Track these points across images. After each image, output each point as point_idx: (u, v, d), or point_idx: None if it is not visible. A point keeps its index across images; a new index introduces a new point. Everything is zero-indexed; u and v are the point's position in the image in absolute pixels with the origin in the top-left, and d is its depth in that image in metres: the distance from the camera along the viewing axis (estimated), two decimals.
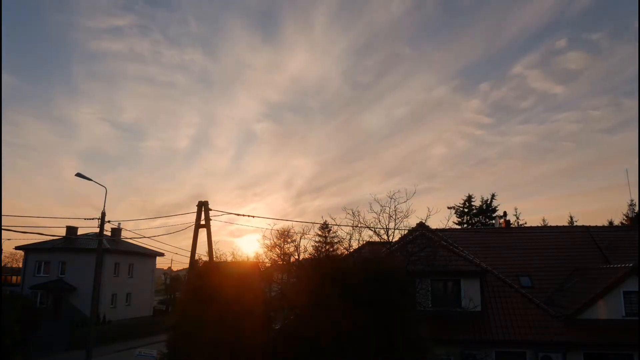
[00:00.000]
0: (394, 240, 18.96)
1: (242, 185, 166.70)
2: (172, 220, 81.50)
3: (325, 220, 19.78)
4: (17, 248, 46.94)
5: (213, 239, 19.55)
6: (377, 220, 18.71)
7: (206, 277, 12.46)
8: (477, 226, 46.28)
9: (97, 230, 24.20)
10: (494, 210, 47.53)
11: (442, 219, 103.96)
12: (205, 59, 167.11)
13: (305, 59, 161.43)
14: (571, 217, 48.50)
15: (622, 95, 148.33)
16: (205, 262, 18.49)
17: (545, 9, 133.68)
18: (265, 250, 18.53)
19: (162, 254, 52.73)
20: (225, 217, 20.10)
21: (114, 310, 44.82)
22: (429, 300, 18.73)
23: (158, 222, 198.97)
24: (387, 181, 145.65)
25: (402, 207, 18.60)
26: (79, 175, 23.31)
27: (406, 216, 18.65)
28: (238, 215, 19.74)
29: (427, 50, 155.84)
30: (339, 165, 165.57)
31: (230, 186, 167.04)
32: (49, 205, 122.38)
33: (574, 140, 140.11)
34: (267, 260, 18.28)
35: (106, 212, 24.05)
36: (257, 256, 17.70)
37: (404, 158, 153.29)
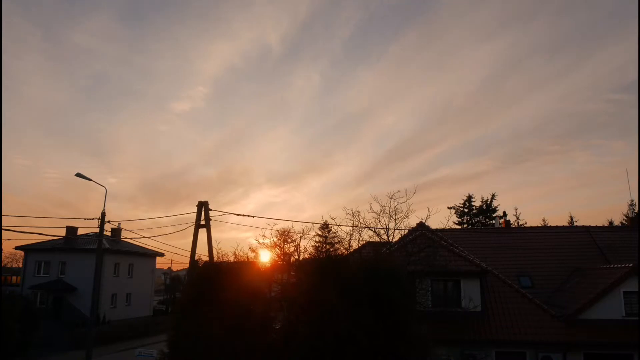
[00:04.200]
0: (394, 240, 18.98)
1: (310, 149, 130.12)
2: (173, 219, 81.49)
3: (325, 221, 19.82)
4: (17, 248, 47.02)
5: (223, 236, 19.64)
6: (377, 220, 18.75)
7: (206, 277, 12.47)
8: (477, 226, 46.30)
9: (97, 230, 24.23)
10: (494, 210, 47.57)
11: (442, 219, 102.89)
12: None
13: None
14: (571, 217, 48.67)
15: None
16: (206, 262, 18.52)
17: None
18: (266, 250, 18.56)
19: (162, 254, 52.81)
20: (229, 219, 20.14)
21: (114, 310, 44.80)
22: (429, 300, 18.73)
23: (160, 219, 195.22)
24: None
25: (402, 207, 18.67)
26: (78, 175, 23.29)
27: (406, 216, 18.70)
28: (238, 215, 19.78)
29: None
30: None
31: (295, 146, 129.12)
32: (49, 205, 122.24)
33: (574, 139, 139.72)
34: (267, 260, 18.31)
35: (109, 208, 24.09)
36: (258, 256, 17.73)
37: None
